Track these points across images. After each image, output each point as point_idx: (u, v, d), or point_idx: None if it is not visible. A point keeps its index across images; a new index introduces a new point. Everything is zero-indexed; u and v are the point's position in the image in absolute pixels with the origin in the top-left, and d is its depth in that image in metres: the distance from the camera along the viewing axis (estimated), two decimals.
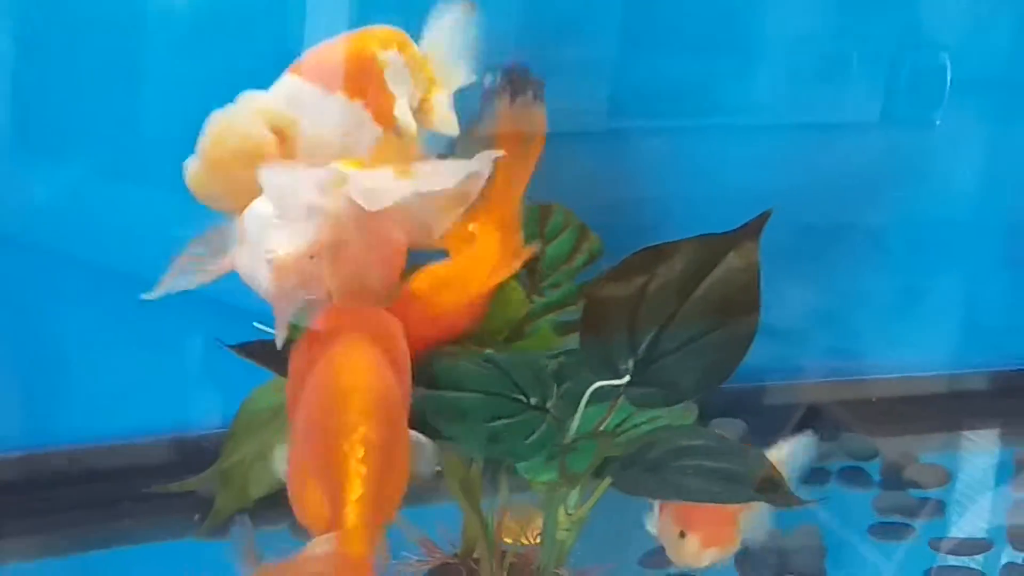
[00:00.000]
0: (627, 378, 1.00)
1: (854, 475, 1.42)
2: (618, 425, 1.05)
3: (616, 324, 1.02)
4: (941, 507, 1.39)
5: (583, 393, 1.00)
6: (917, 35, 1.48)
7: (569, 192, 1.16)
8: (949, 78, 1.48)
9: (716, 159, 1.42)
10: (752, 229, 1.03)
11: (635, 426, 1.06)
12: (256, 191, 0.86)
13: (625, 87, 1.36)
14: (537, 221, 1.14)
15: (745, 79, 1.43)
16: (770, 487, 1.00)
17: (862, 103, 1.48)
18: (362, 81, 0.96)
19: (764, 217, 1.03)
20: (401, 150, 0.97)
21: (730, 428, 1.40)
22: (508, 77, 1.02)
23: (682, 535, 1.05)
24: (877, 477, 1.42)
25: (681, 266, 1.03)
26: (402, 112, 0.98)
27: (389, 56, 0.97)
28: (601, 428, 1.01)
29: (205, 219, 0.90)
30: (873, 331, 1.59)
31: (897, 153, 1.51)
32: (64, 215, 1.23)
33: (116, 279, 1.20)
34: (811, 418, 1.48)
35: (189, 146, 0.91)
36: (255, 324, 1.10)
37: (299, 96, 0.93)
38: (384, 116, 0.97)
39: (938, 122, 1.51)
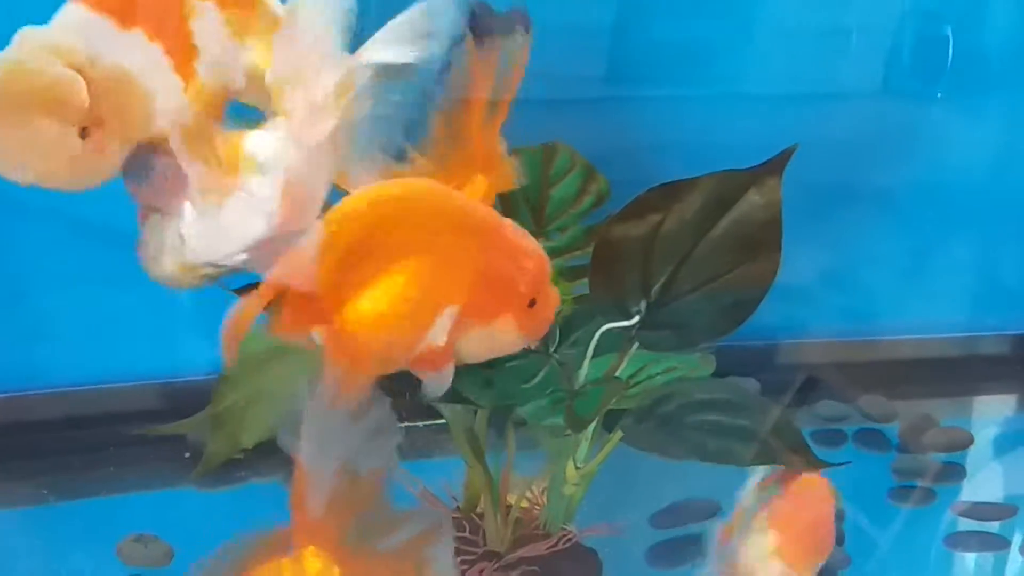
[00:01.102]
0: (637, 319, 0.95)
1: (871, 437, 1.38)
2: (631, 376, 1.00)
3: (628, 264, 0.97)
4: (960, 471, 1.34)
5: (591, 339, 0.96)
6: (920, 6, 1.44)
7: None
8: (951, 50, 1.44)
9: (716, 128, 1.38)
10: (775, 165, 0.98)
11: (649, 377, 1.01)
12: (64, 142, 0.74)
13: (624, 54, 1.31)
14: (541, 162, 1.09)
15: (746, 48, 1.39)
16: (793, 448, 0.95)
17: (864, 74, 1.44)
18: (161, 20, 0.80)
19: (787, 153, 0.98)
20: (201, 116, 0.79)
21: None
22: (470, 22, 0.93)
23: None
24: (894, 440, 1.38)
25: (698, 203, 0.97)
26: (205, 74, 0.80)
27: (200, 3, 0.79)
28: (613, 375, 0.96)
29: None
30: (887, 292, 1.55)
31: (901, 122, 1.48)
32: None
33: (98, 224, 1.16)
34: (826, 378, 1.44)
35: None
36: None
37: (88, 30, 0.77)
38: (187, 70, 0.80)
39: (939, 94, 1.47)
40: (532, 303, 0.81)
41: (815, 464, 0.97)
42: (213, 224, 0.76)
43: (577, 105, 1.32)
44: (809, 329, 1.50)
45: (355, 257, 0.75)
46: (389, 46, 0.79)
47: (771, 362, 1.45)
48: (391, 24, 0.79)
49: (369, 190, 0.77)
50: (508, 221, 0.82)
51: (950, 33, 1.45)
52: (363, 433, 0.79)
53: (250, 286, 0.97)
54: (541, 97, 1.30)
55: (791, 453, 0.97)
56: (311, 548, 0.76)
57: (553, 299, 0.83)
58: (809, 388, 1.41)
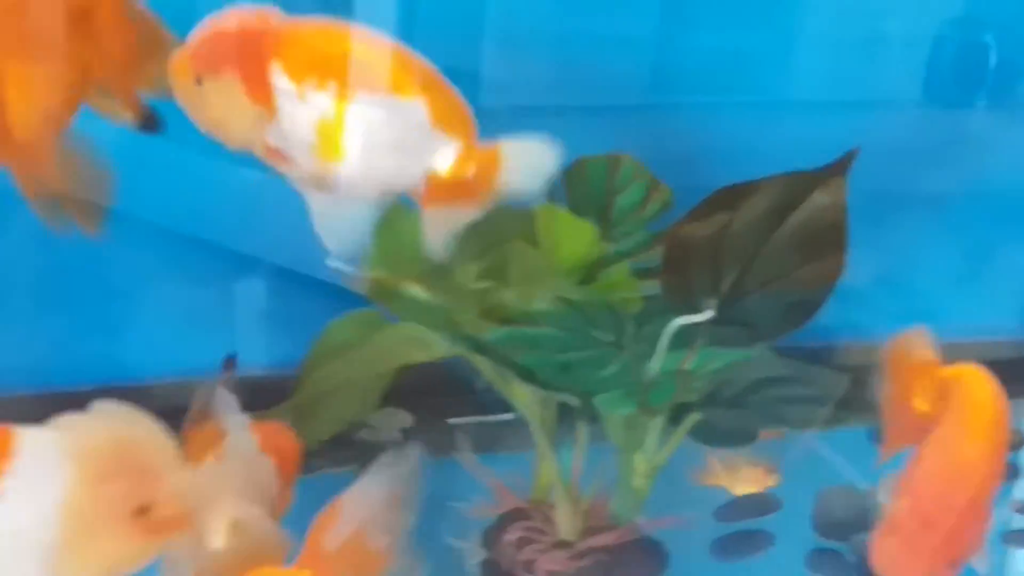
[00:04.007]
0: (709, 313, 0.98)
1: None
2: (695, 369, 1.03)
3: (698, 264, 1.01)
4: (1016, 470, 1.36)
5: (663, 334, 0.99)
6: (961, 14, 1.47)
7: None
8: (993, 57, 1.46)
9: (757, 135, 1.41)
10: (840, 167, 1.01)
11: (710, 369, 1.04)
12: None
13: (667, 62, 1.35)
14: (606, 171, 1.13)
15: (790, 55, 1.41)
16: (864, 408, 0.99)
17: (906, 81, 1.47)
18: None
19: (851, 155, 1.01)
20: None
21: None
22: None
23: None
24: None
25: (765, 204, 1.01)
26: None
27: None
28: (683, 368, 0.99)
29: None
30: (941, 296, 1.57)
31: (945, 129, 1.50)
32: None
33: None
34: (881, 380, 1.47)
35: None
36: (328, 262, 1.11)
37: None
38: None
39: (982, 102, 1.49)
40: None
41: None
42: None
43: (626, 112, 1.35)
44: (865, 331, 1.52)
45: None
46: None
47: (828, 362, 1.47)
48: None
49: None
50: None
51: (991, 41, 1.47)
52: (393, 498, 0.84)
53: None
54: (592, 104, 1.35)
55: (865, 411, 1.01)
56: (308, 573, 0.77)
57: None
58: (866, 389, 1.44)
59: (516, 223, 1.06)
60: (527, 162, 0.84)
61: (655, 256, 1.06)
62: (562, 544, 1.06)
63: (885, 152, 1.43)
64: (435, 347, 1.01)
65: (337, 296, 1.10)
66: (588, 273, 1.05)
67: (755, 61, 1.39)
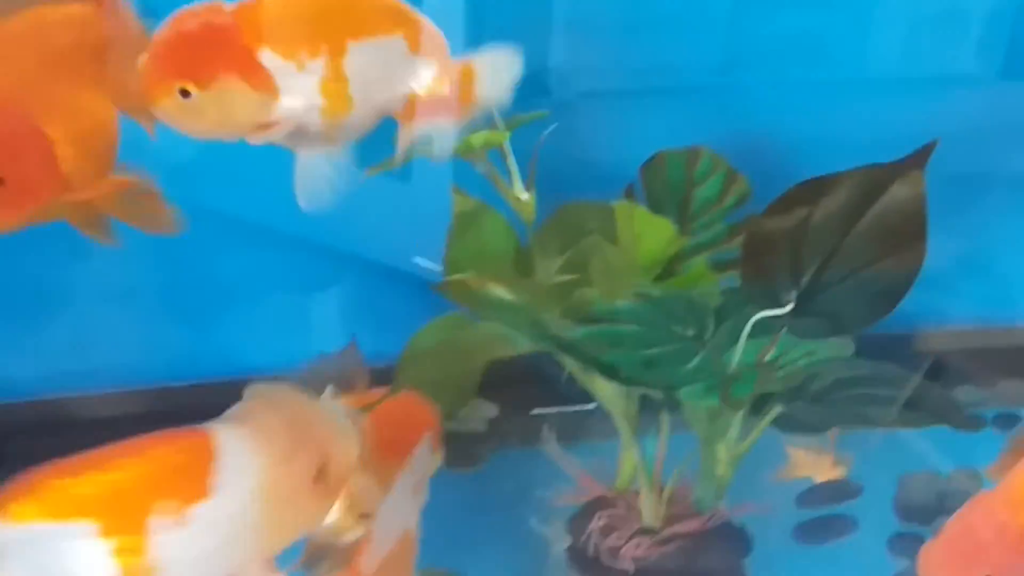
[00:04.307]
0: (790, 306, 1.00)
1: (1009, 421, 1.40)
2: (775, 360, 1.05)
3: (779, 257, 1.02)
4: None
5: (744, 327, 1.01)
6: None
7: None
8: None
9: (832, 112, 1.41)
10: (919, 159, 1.02)
11: (792, 361, 1.06)
12: None
13: (743, 41, 1.35)
14: (685, 165, 1.14)
15: (865, 33, 1.41)
16: (950, 412, 1.00)
17: (983, 58, 1.46)
18: None
19: (930, 147, 1.02)
20: None
21: None
22: None
23: None
24: None
25: (845, 197, 1.02)
26: None
27: None
28: (763, 360, 1.01)
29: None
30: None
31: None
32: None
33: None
34: (965, 365, 1.47)
35: None
36: (417, 259, 1.14)
37: None
38: None
39: None
40: None
41: (971, 425, 1.02)
42: None
43: (697, 93, 1.35)
44: (947, 316, 1.52)
45: None
46: None
47: (909, 349, 1.48)
48: None
49: None
50: None
51: None
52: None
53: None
54: (664, 86, 1.36)
55: (949, 417, 1.03)
56: None
57: None
58: (948, 375, 1.44)
59: (595, 219, 1.09)
60: (497, 72, 0.87)
61: (734, 248, 1.09)
62: (646, 531, 1.09)
63: (965, 132, 1.44)
64: (520, 344, 1.04)
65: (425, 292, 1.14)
66: (667, 268, 1.08)
67: (830, 39, 1.40)
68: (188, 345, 1.30)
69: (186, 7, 0.81)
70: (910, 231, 1.01)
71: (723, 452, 1.07)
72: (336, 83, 0.81)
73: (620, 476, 1.13)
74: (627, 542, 1.08)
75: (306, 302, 1.33)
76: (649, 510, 1.09)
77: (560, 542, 1.12)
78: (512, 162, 1.09)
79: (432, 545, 0.86)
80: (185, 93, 0.79)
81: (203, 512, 0.68)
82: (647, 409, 1.09)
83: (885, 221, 1.01)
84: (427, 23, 0.85)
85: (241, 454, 0.70)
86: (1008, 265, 1.56)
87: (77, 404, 1.27)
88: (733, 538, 1.11)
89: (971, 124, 1.44)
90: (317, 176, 0.84)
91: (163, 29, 0.80)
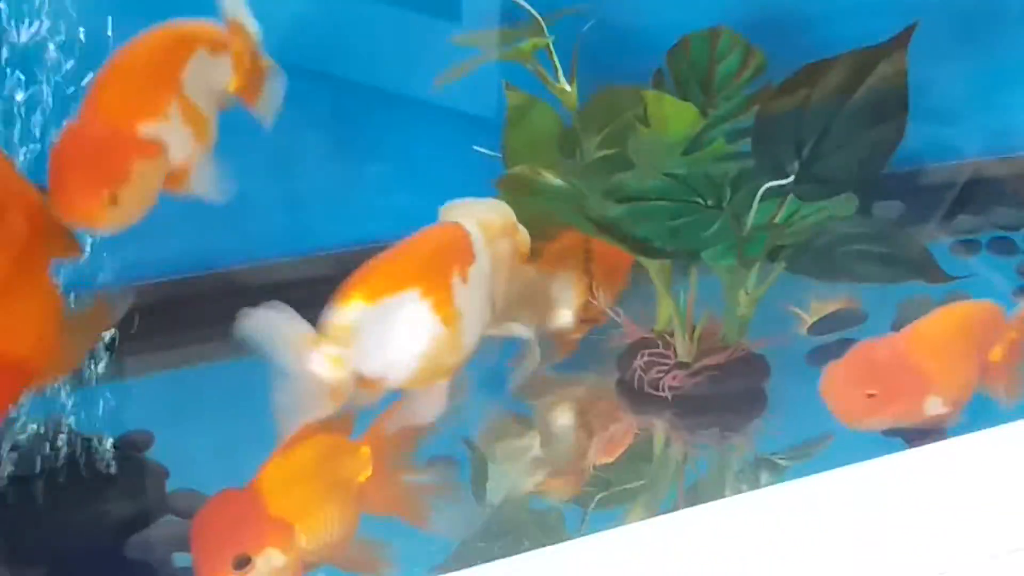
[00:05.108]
0: (792, 178, 1.18)
1: (1002, 244, 1.57)
2: (788, 218, 1.24)
3: (783, 133, 1.20)
4: None
5: (755, 193, 1.19)
6: None
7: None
8: None
9: None
10: (901, 40, 1.18)
11: (803, 217, 1.24)
12: None
13: None
14: (709, 44, 1.28)
15: None
16: (922, 268, 1.18)
17: None
18: None
19: (911, 29, 1.18)
20: None
21: (889, 209, 1.55)
22: None
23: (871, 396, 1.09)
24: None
25: (839, 78, 1.19)
26: None
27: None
28: (773, 221, 1.20)
29: None
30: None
31: None
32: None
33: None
34: (966, 195, 1.62)
35: None
36: (475, 148, 1.31)
37: None
38: None
39: None
40: None
41: (943, 278, 1.20)
42: None
43: None
44: (951, 149, 1.66)
45: None
46: None
47: (915, 184, 1.63)
48: None
49: None
50: None
51: None
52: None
53: None
54: None
55: (923, 271, 1.21)
56: (366, 448, 0.92)
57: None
58: (948, 204, 1.60)
59: (629, 101, 1.24)
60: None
61: (751, 116, 1.26)
62: (681, 365, 1.27)
63: None
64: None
65: None
66: (694, 142, 1.25)
67: None
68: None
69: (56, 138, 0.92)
70: (894, 104, 1.18)
71: (743, 296, 1.26)
72: (193, 112, 0.96)
73: (658, 320, 1.32)
74: (665, 375, 1.27)
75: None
76: (683, 347, 1.28)
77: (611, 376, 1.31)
78: (556, 58, 1.26)
79: None
80: (114, 199, 0.88)
81: (474, 272, 0.96)
82: (678, 263, 1.27)
83: (872, 96, 1.18)
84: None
85: (478, 232, 0.98)
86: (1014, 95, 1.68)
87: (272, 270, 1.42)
88: (754, 366, 1.29)
89: None
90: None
91: (55, 155, 0.89)
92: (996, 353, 1.17)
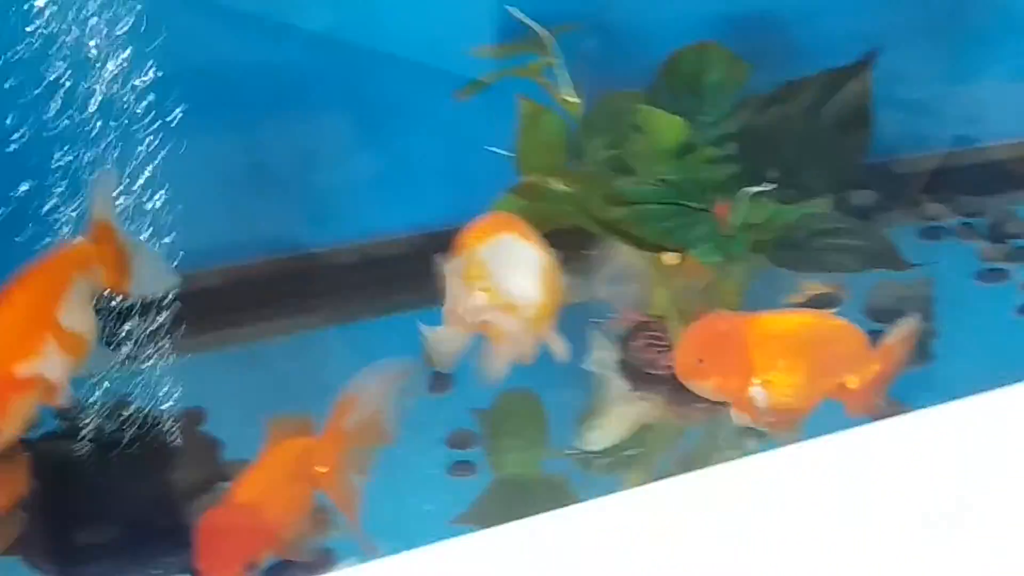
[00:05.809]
0: (774, 186, 1.33)
1: (966, 230, 1.69)
2: (770, 217, 1.38)
3: (763, 143, 1.35)
4: None
5: (739, 198, 1.33)
6: None
7: None
8: None
9: None
10: (866, 62, 1.34)
11: (783, 215, 1.38)
12: None
13: None
14: (696, 58, 1.43)
15: None
16: (887, 258, 1.33)
17: None
18: None
19: (874, 53, 1.33)
20: None
21: (863, 198, 1.65)
22: None
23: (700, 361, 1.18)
24: (983, 231, 1.69)
25: (813, 95, 1.35)
26: None
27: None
28: (755, 223, 1.35)
29: None
30: (998, 99, 1.78)
31: None
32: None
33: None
34: (934, 184, 1.74)
35: None
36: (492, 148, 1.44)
37: None
38: None
39: None
40: None
41: (905, 266, 1.35)
42: None
43: None
44: (921, 140, 1.78)
45: None
46: None
47: (888, 174, 1.74)
48: None
49: None
50: None
51: None
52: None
53: None
54: None
55: (886, 261, 1.36)
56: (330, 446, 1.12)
57: None
58: (917, 193, 1.74)
59: (628, 107, 1.38)
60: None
61: (736, 122, 1.41)
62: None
63: None
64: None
65: None
66: (683, 147, 1.38)
67: None
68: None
69: None
70: (860, 117, 1.34)
71: (731, 285, 1.42)
72: (70, 338, 1.13)
73: (653, 306, 1.46)
74: (661, 355, 1.39)
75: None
76: (677, 331, 1.42)
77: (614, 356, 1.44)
78: (562, 71, 1.40)
79: None
80: None
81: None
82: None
83: (840, 111, 1.34)
84: None
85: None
86: (983, 88, 1.78)
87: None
88: None
89: None
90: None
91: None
92: (853, 381, 1.18)
